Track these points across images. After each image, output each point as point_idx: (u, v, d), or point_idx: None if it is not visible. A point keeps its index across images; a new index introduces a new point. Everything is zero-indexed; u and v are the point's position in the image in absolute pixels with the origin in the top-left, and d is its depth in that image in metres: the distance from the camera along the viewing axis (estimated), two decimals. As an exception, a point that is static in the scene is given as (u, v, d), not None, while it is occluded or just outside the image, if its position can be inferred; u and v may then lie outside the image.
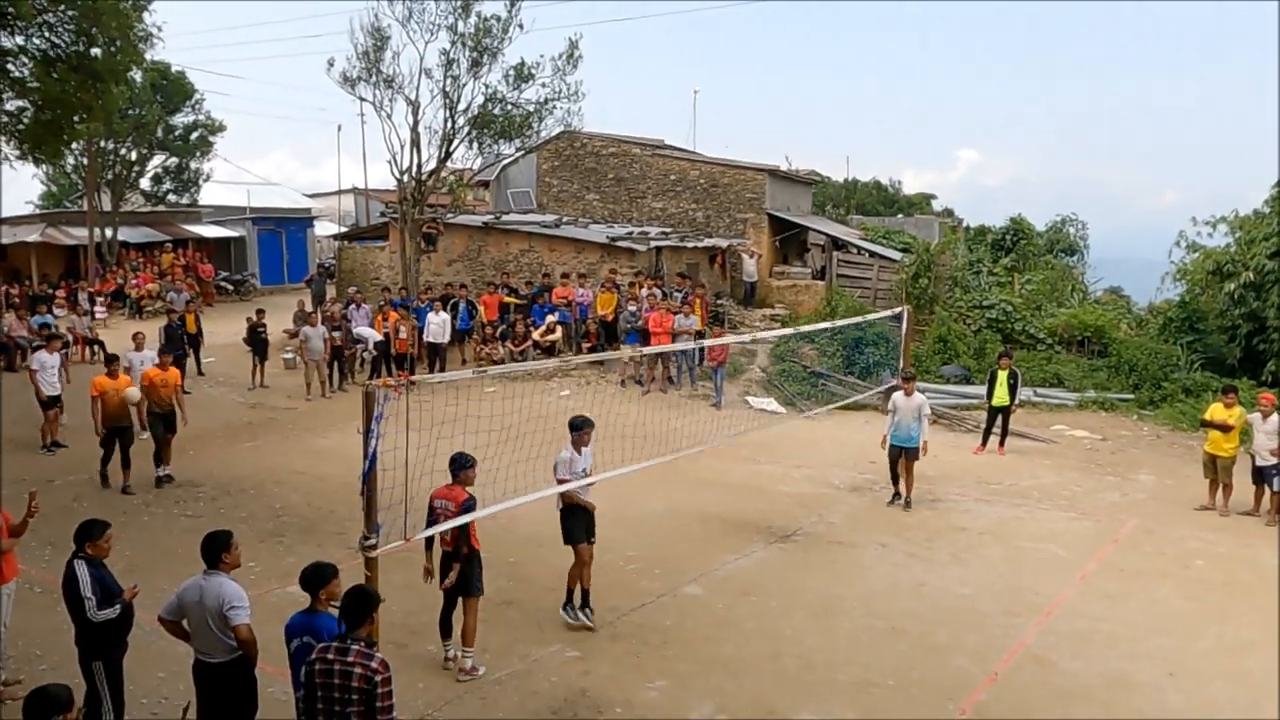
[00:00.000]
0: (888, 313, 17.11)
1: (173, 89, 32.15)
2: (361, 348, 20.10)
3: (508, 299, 21.65)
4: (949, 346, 20.85)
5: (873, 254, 26.20)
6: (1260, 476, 11.97)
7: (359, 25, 21.74)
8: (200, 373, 19.97)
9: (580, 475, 8.53)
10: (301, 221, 39.63)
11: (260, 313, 20.24)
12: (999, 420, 15.27)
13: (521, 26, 21.50)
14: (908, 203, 55.29)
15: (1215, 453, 12.21)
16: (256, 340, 19.58)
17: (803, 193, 31.14)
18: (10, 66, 16.59)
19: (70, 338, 20.42)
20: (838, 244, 26.79)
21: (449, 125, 21.82)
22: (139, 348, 14.71)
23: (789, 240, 28.62)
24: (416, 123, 21.76)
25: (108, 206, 31.52)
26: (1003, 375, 15.14)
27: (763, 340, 20.01)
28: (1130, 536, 11.27)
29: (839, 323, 17.48)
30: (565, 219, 26.44)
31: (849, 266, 25.66)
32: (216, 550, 5.70)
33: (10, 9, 15.59)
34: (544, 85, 21.95)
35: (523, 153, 24.88)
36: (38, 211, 37.32)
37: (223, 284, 33.69)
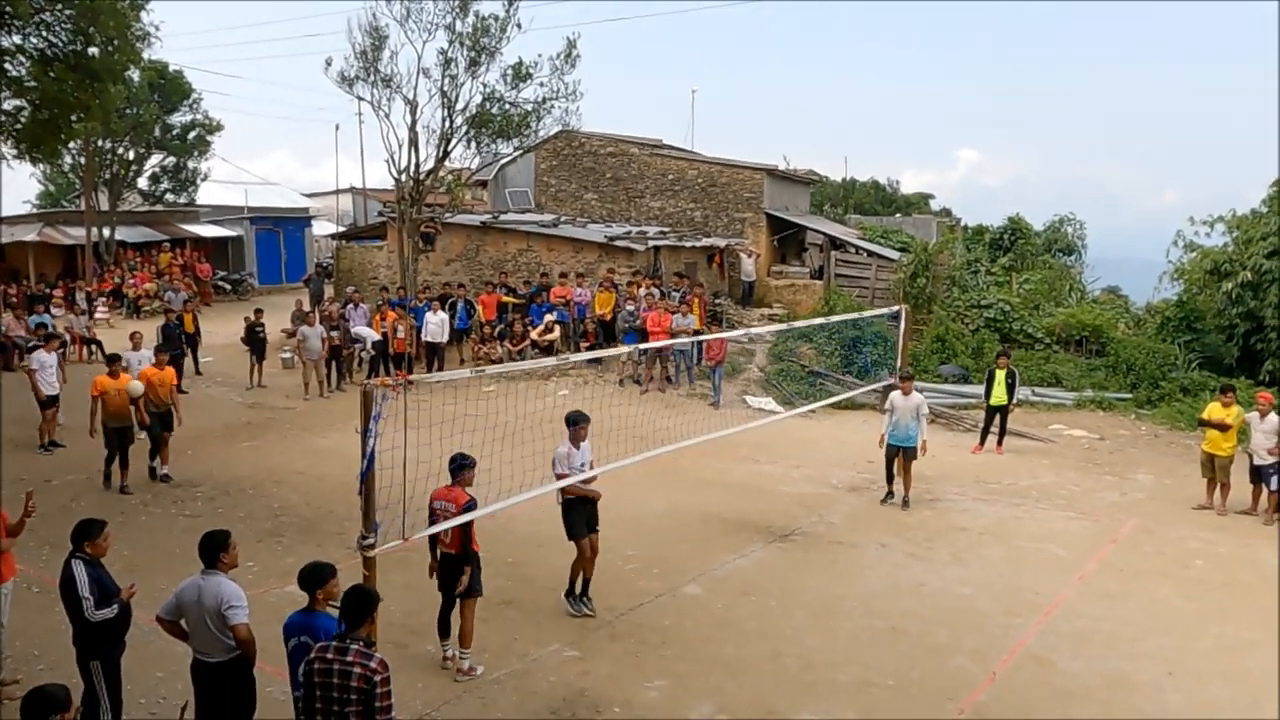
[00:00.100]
0: (885, 311, 17.11)
1: (170, 88, 32.15)
2: (360, 347, 20.08)
3: (506, 298, 21.62)
4: (947, 346, 20.85)
5: (871, 253, 26.21)
6: (1258, 475, 11.98)
7: (357, 25, 21.75)
8: (198, 372, 19.94)
9: (579, 470, 8.55)
10: (299, 221, 39.61)
11: (258, 312, 20.22)
12: (997, 419, 15.28)
13: (519, 26, 21.50)
14: (905, 202, 55.34)
15: (1213, 452, 12.22)
16: (254, 340, 19.55)
17: (801, 192, 31.15)
18: (8, 66, 16.57)
19: (68, 337, 20.41)
20: (836, 243, 26.81)
21: (447, 125, 21.80)
22: (136, 347, 14.68)
23: (787, 240, 28.62)
24: (414, 122, 21.73)
25: (105, 206, 31.50)
26: (1000, 374, 15.14)
27: (759, 337, 20.02)
28: (1129, 536, 11.27)
29: (834, 318, 17.48)
30: (563, 218, 26.42)
31: (847, 266, 25.68)
32: (214, 550, 5.68)
33: (8, 8, 15.57)
34: (542, 85, 21.95)
35: (521, 152, 24.84)
36: (35, 211, 37.31)
37: (220, 283, 33.67)
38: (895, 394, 12.35)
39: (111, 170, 31.58)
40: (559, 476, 8.47)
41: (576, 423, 8.57)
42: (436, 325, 19.80)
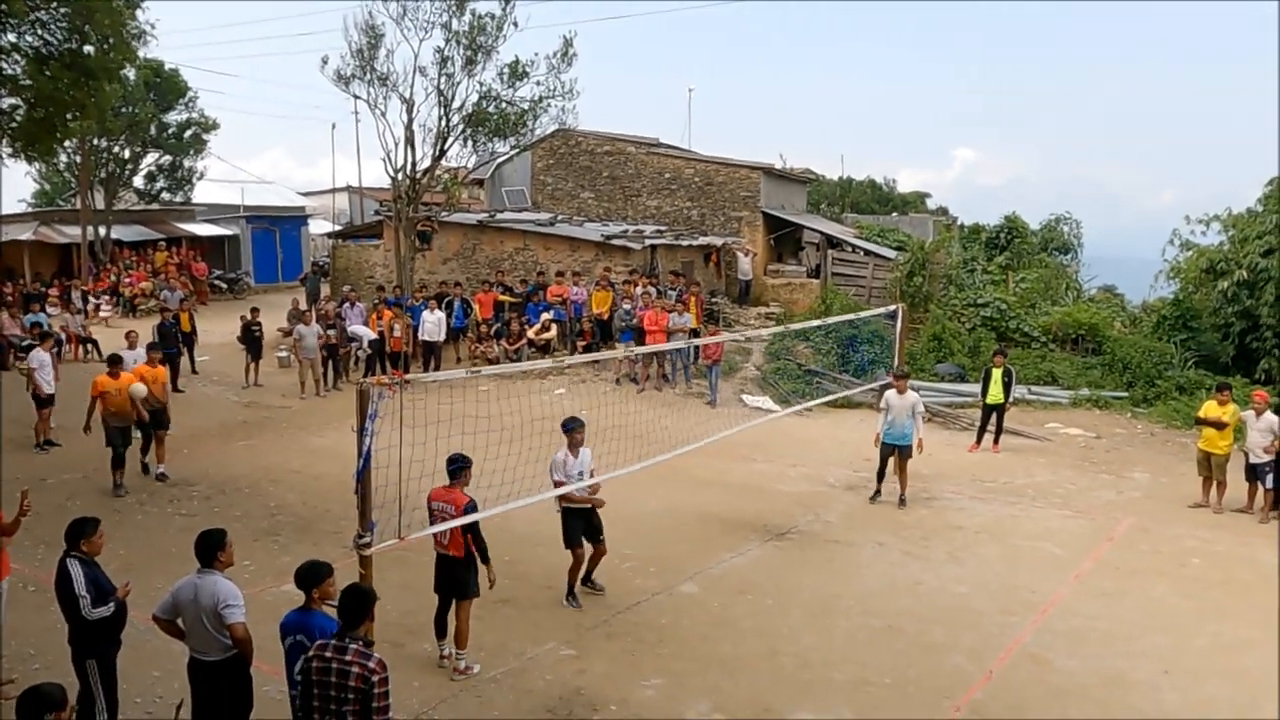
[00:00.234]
0: (882, 310, 17.11)
1: (166, 87, 32.09)
2: (356, 346, 20.06)
3: (502, 297, 21.62)
4: (943, 344, 20.87)
5: (867, 252, 26.23)
6: (1254, 474, 12.01)
7: (353, 23, 21.76)
8: (194, 371, 19.91)
9: (576, 477, 8.55)
10: (296, 220, 39.54)
11: (255, 311, 20.18)
12: (993, 418, 15.29)
13: (516, 24, 21.46)
14: (902, 201, 55.34)
15: (1209, 450, 12.25)
16: (251, 339, 19.52)
17: (797, 191, 31.16)
18: (3, 64, 16.54)
19: (63, 336, 20.38)
20: (832, 242, 26.81)
21: (443, 123, 21.76)
22: (132, 346, 14.66)
23: (784, 238, 28.63)
24: (411, 121, 21.70)
25: (101, 205, 31.45)
26: (997, 373, 15.16)
27: (756, 338, 20.02)
28: (1126, 534, 11.29)
29: (830, 320, 17.49)
30: (560, 217, 26.41)
31: (844, 265, 25.69)
32: (211, 549, 5.68)
33: (3, 6, 15.53)
34: (538, 83, 21.92)
35: (517, 151, 24.82)
36: (30, 210, 37.22)
37: (217, 282, 33.60)
38: (890, 393, 12.34)
39: (107, 169, 31.51)
40: (556, 483, 8.47)
41: (571, 429, 8.59)
42: (433, 324, 19.78)
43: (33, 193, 41.24)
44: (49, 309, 23.11)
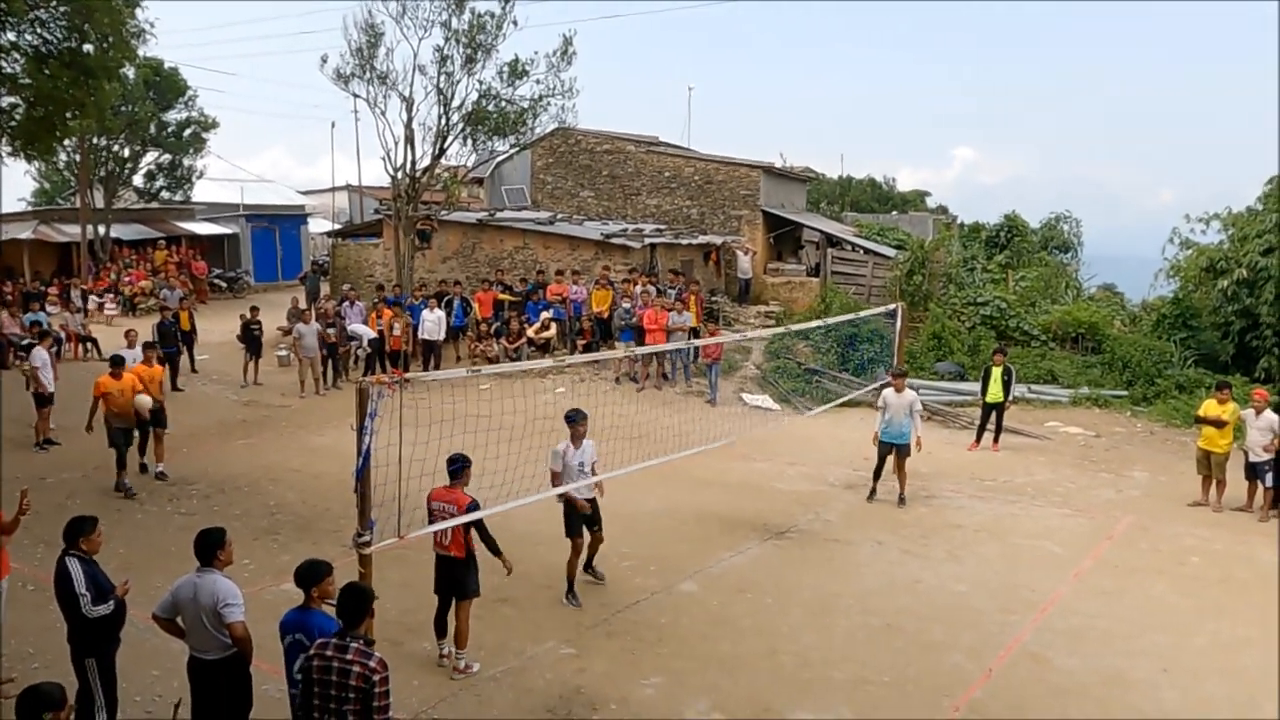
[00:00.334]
0: (881, 309, 17.09)
1: (166, 85, 32.06)
2: (356, 345, 20.05)
3: (502, 296, 21.60)
4: (943, 343, 20.87)
5: (867, 251, 26.22)
6: (1253, 472, 12.01)
7: (353, 22, 21.73)
8: (194, 370, 19.90)
9: (576, 468, 8.61)
10: (295, 218, 39.52)
11: (254, 310, 20.17)
12: (993, 417, 15.30)
13: (515, 23, 21.46)
14: (902, 200, 55.28)
15: (1209, 449, 12.25)
16: (250, 337, 19.51)
17: (797, 190, 31.15)
18: (2, 63, 16.51)
19: (62, 335, 20.38)
20: (832, 241, 26.80)
21: (443, 122, 21.75)
22: (131, 345, 14.67)
23: (783, 237, 28.62)
24: (411, 119, 21.69)
25: (100, 203, 31.41)
26: (997, 372, 15.17)
27: (756, 339, 20.01)
28: (1125, 533, 11.29)
29: (830, 320, 17.48)
30: (560, 216, 26.40)
31: (843, 263, 25.68)
32: (210, 548, 5.68)
33: (2, 5, 15.51)
34: (538, 82, 21.90)
35: (517, 149, 24.81)
36: (30, 209, 37.17)
37: (216, 281, 33.57)
38: (888, 391, 12.34)
39: (107, 168, 31.48)
40: (553, 472, 8.51)
41: (574, 421, 8.67)
42: (433, 323, 19.77)
43: (32, 191, 41.27)
44: (48, 308, 23.11)
